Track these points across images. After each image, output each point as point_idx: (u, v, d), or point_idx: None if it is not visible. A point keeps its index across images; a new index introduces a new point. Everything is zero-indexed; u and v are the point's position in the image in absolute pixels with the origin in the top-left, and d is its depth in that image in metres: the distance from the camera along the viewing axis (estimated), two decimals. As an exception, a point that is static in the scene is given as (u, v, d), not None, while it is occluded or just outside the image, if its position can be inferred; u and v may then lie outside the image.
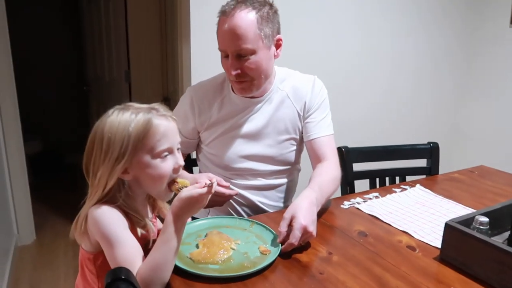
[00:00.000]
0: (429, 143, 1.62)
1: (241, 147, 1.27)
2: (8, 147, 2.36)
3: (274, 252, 0.91)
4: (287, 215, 0.97)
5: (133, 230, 0.86)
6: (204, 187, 0.81)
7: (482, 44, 2.63)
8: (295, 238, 0.92)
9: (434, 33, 2.48)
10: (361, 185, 1.52)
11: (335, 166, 1.25)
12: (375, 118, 2.44)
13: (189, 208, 0.81)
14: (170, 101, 2.56)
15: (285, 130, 1.28)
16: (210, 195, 0.82)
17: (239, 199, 1.30)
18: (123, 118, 0.84)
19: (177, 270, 0.83)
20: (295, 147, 1.32)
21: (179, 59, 1.97)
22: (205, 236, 0.97)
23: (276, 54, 1.21)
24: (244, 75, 1.16)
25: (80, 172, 0.91)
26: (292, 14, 1.99)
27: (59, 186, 3.53)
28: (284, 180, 1.34)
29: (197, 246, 0.94)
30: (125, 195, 0.87)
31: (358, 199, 1.27)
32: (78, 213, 0.87)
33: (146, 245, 0.88)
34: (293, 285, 0.82)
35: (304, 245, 0.96)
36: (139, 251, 0.82)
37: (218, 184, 1.12)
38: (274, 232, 0.98)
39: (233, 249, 0.93)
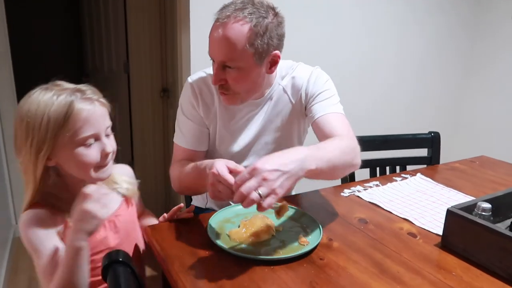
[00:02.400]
0: (430, 132, 1.61)
1: (240, 144, 1.23)
2: (6, 138, 2.35)
3: (309, 245, 0.89)
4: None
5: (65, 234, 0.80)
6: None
7: (485, 35, 2.60)
8: (241, 181, 0.75)
9: (439, 21, 2.46)
10: (361, 174, 1.50)
11: (346, 138, 1.06)
12: (377, 109, 2.42)
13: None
14: (169, 92, 2.55)
15: (283, 127, 1.23)
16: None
17: None
18: (43, 100, 0.77)
19: (211, 243, 0.87)
20: (294, 144, 1.28)
21: (178, 50, 1.95)
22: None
23: (269, 71, 1.10)
24: (227, 88, 1.08)
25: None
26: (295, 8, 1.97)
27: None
28: None
29: (238, 226, 0.96)
30: (54, 183, 0.81)
31: (359, 187, 1.26)
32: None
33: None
34: (293, 270, 0.81)
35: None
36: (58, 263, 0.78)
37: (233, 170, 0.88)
38: (321, 227, 0.96)
39: (272, 235, 0.93)
